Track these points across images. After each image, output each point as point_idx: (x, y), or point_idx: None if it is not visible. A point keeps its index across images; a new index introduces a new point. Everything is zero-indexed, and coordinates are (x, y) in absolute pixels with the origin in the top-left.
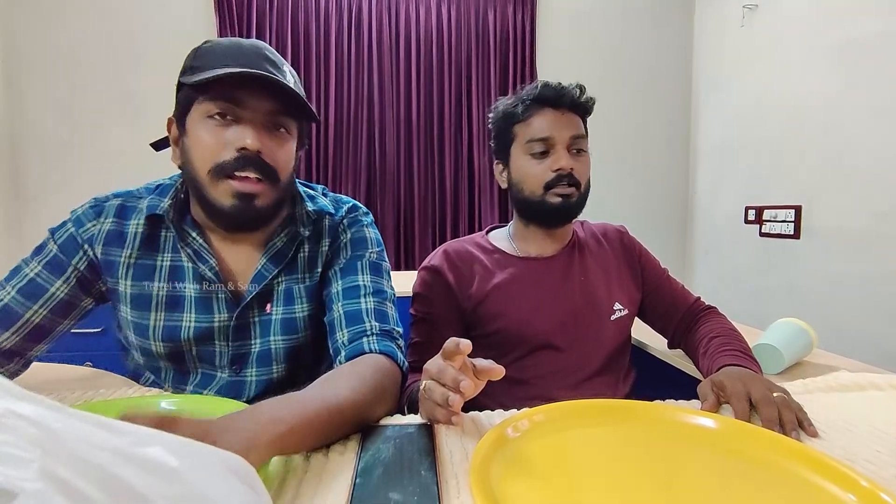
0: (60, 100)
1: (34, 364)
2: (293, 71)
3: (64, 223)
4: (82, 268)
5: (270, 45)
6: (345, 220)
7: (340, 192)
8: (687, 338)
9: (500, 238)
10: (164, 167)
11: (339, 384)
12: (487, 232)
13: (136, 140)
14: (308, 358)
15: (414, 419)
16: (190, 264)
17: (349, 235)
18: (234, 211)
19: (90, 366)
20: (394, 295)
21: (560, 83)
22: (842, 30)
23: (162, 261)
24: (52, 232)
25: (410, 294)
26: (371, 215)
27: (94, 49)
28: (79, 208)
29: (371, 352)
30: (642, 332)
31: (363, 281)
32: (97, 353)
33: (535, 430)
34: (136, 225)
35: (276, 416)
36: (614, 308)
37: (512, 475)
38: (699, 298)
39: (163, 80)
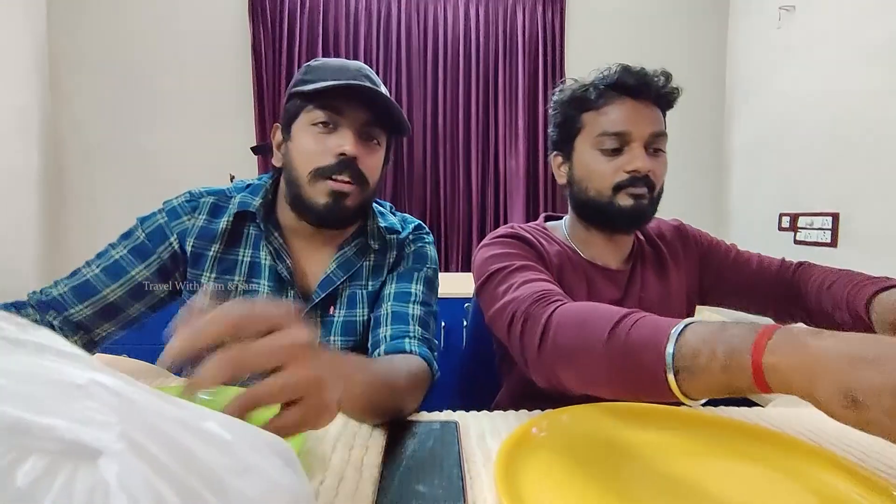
0: (102, 103)
1: None
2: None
3: (153, 213)
4: (165, 257)
5: (301, 47)
6: (410, 236)
7: None
8: (794, 307)
9: (558, 233)
10: (201, 167)
11: (397, 369)
12: (544, 220)
13: (175, 142)
14: None
15: (438, 416)
16: (268, 262)
17: (413, 249)
18: (327, 209)
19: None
20: (437, 312)
21: (643, 68)
22: (881, 29)
23: (243, 256)
24: (141, 221)
25: (442, 295)
26: (432, 235)
27: (134, 53)
28: (173, 199)
29: (411, 352)
30: None
31: (415, 289)
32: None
33: (560, 430)
34: (225, 222)
35: (353, 378)
36: None
37: (536, 473)
38: (785, 259)
39: (199, 82)
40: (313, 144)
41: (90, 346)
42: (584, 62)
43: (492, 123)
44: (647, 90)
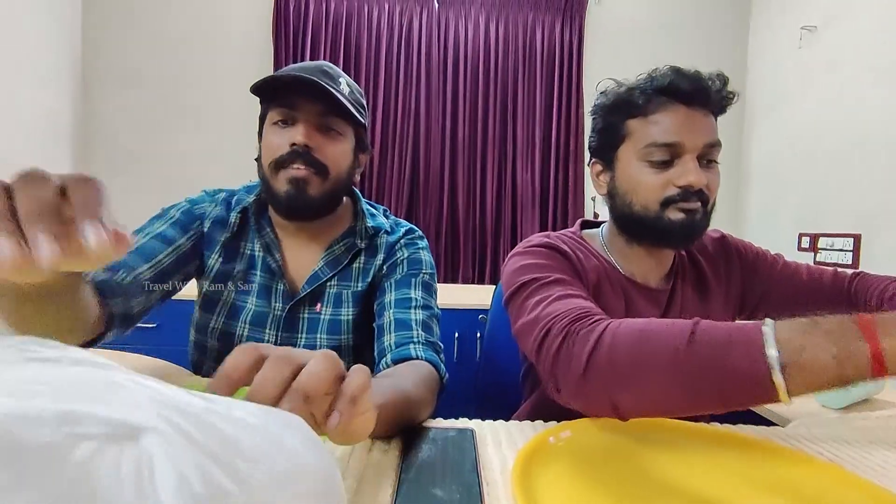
0: (129, 109)
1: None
2: (352, 83)
3: (177, 203)
4: (195, 238)
5: (324, 59)
6: (402, 240)
7: (382, 204)
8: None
9: (595, 243)
10: (223, 173)
11: (405, 379)
12: (581, 227)
13: (197, 148)
14: (347, 362)
15: (454, 423)
16: (261, 254)
17: (406, 254)
18: (288, 197)
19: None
20: (440, 314)
21: (697, 70)
22: None
23: (244, 248)
24: (169, 207)
25: (455, 306)
26: (426, 240)
27: (163, 63)
28: (192, 196)
29: (417, 358)
30: None
31: (414, 295)
32: (150, 348)
33: (579, 440)
34: (235, 215)
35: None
36: None
37: (553, 482)
38: (838, 271)
39: (224, 92)
40: (273, 139)
41: (133, 319)
42: (601, 78)
43: (509, 137)
44: (701, 96)
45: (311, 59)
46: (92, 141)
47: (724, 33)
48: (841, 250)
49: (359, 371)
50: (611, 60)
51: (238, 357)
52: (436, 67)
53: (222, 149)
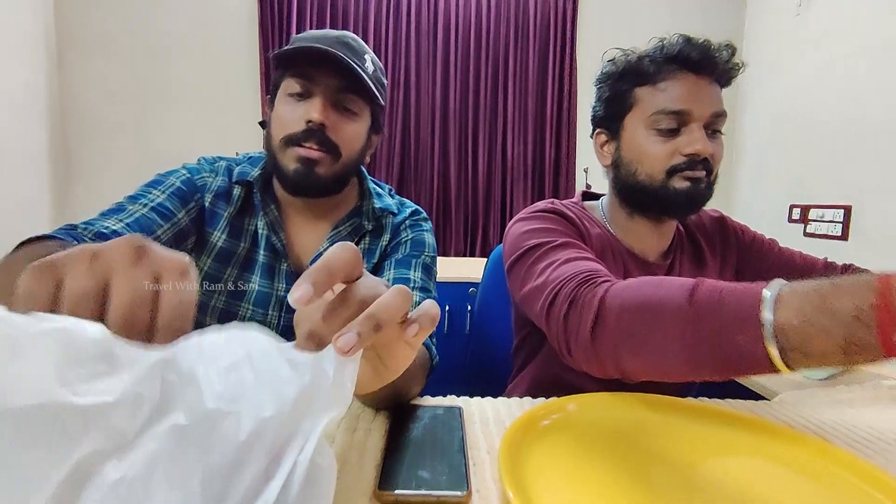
0: (108, 81)
1: None
2: (377, 61)
3: (176, 170)
4: (194, 213)
5: (310, 27)
6: (407, 221)
7: (374, 177)
8: None
9: (596, 213)
10: (208, 147)
11: None
12: (582, 199)
13: (179, 121)
14: None
15: (442, 401)
16: (265, 232)
17: (410, 235)
18: (296, 175)
19: None
20: (436, 298)
21: (707, 40)
22: (892, 25)
23: (249, 224)
24: (168, 173)
25: (447, 280)
26: (430, 222)
27: (140, 31)
28: (189, 164)
29: None
30: None
31: (414, 276)
32: None
33: (566, 418)
34: (238, 188)
35: None
36: None
37: (540, 460)
38: (829, 260)
39: (206, 60)
40: (286, 113)
41: None
42: (595, 49)
43: (500, 109)
44: (710, 65)
45: (297, 27)
46: (69, 113)
47: (720, 4)
48: (831, 222)
49: (432, 304)
50: (605, 30)
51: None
52: (426, 37)
53: (206, 120)
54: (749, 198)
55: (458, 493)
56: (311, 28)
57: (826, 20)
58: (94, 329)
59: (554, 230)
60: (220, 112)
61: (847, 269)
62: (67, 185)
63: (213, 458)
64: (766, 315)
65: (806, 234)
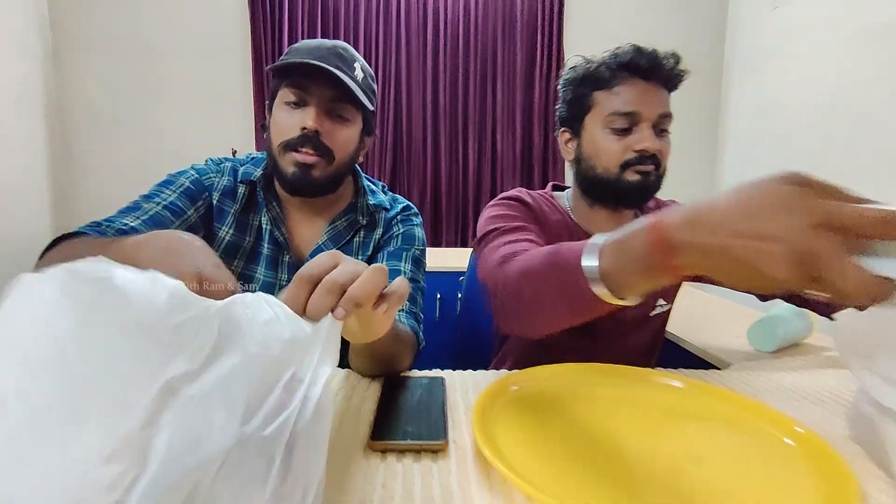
0: (105, 75)
1: None
2: (366, 68)
3: (184, 171)
4: (202, 210)
5: (301, 26)
6: (398, 216)
7: (367, 173)
8: None
9: (562, 202)
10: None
11: (399, 327)
12: (552, 190)
13: (174, 117)
14: None
15: (428, 373)
16: (269, 227)
17: (401, 230)
18: (294, 178)
19: None
20: (425, 287)
21: (655, 49)
22: (874, 16)
23: (253, 220)
24: (178, 174)
25: (439, 269)
26: (421, 217)
27: (136, 28)
28: (197, 164)
29: (401, 323)
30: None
31: (404, 268)
32: None
33: (532, 385)
34: (243, 188)
35: None
36: (657, 304)
37: (507, 419)
38: None
39: (201, 57)
40: (283, 120)
41: None
42: (581, 44)
43: (489, 104)
44: (657, 72)
45: (289, 26)
46: (69, 108)
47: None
48: None
49: (401, 281)
50: (590, 26)
51: (294, 291)
52: (415, 33)
53: (202, 115)
54: (733, 185)
55: (438, 441)
56: (304, 26)
57: (803, 14)
58: (176, 283)
59: (510, 216)
60: (213, 108)
61: None
62: (67, 180)
63: (251, 388)
64: (593, 264)
65: None
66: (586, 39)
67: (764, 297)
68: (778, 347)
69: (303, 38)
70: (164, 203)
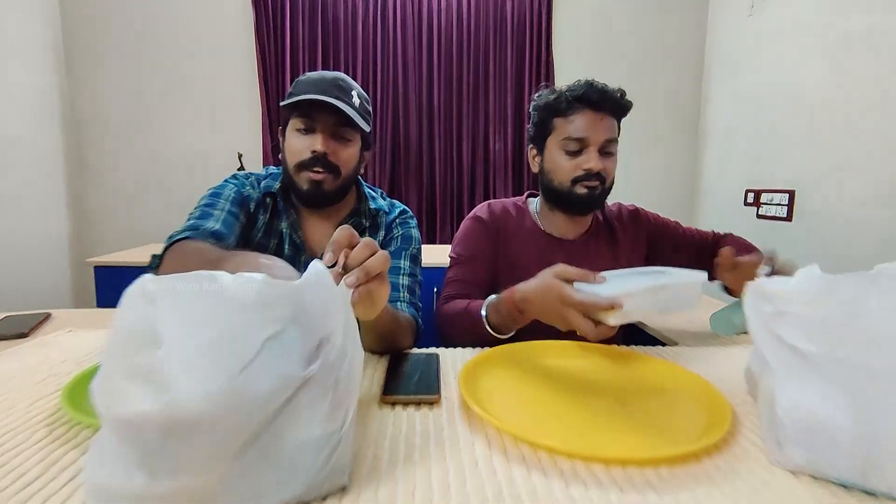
0: (117, 84)
1: None
2: (362, 94)
3: (224, 183)
4: (245, 218)
5: (303, 33)
6: (397, 220)
7: (369, 175)
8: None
9: (531, 207)
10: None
11: (399, 312)
12: (526, 197)
13: (186, 121)
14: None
15: (425, 350)
16: (288, 232)
17: (400, 232)
18: (308, 194)
19: None
20: (422, 281)
21: (605, 85)
22: (845, 22)
23: (276, 226)
24: (221, 187)
25: (435, 265)
26: (415, 219)
27: (145, 37)
28: (231, 178)
29: (402, 311)
30: None
31: (403, 265)
32: None
33: (509, 357)
34: (269, 200)
35: None
36: None
37: (488, 381)
38: (715, 231)
39: (208, 64)
40: (296, 144)
41: None
42: (569, 47)
43: (481, 107)
44: (605, 103)
45: (291, 32)
46: (81, 114)
47: (685, 5)
48: (778, 205)
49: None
50: (577, 30)
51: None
52: (411, 40)
53: (209, 121)
54: (713, 183)
55: (433, 395)
56: (305, 33)
57: (777, 20)
58: (263, 276)
59: (468, 246)
60: (221, 113)
61: (723, 236)
62: (81, 183)
63: (306, 343)
64: (485, 313)
65: (759, 217)
66: (573, 44)
67: (730, 292)
68: (738, 332)
69: (304, 45)
70: (226, 210)
